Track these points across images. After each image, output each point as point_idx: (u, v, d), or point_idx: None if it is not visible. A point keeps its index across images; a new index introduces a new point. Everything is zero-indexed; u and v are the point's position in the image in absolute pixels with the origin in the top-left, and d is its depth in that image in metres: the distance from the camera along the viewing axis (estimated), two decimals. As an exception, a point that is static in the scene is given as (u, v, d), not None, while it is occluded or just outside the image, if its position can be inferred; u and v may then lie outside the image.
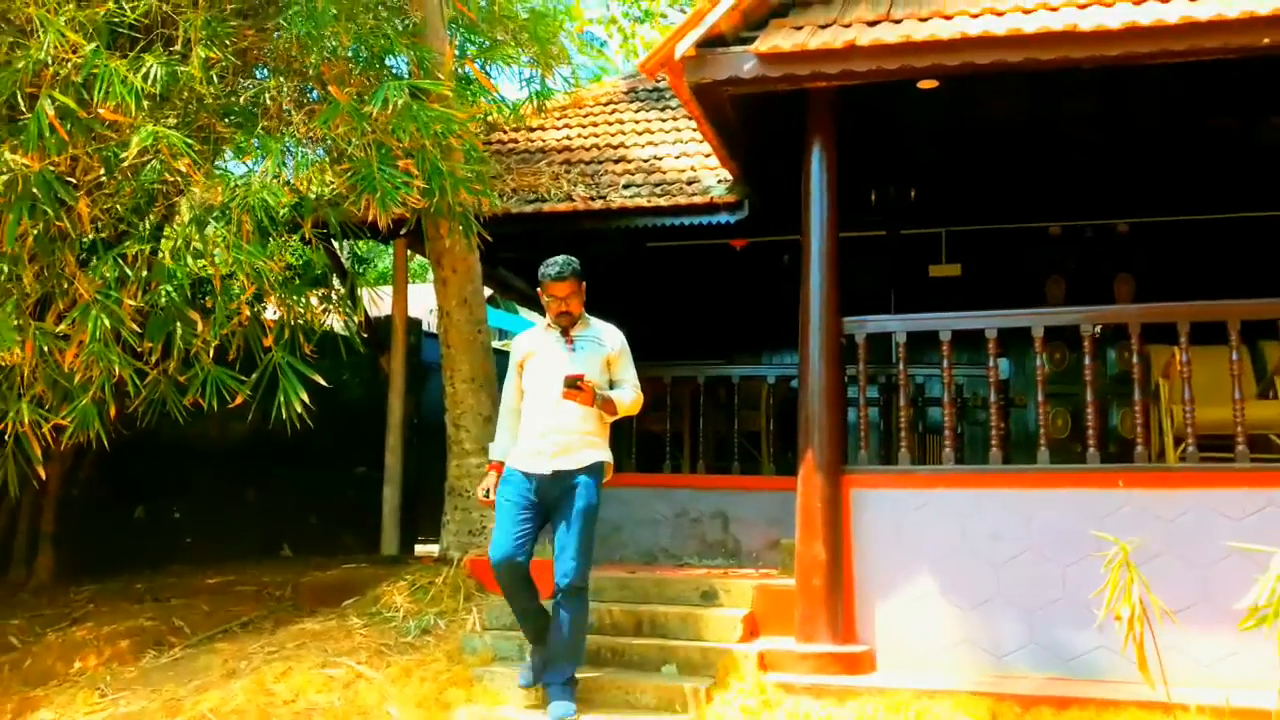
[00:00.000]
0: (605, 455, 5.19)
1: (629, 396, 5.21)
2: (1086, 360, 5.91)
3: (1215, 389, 6.04)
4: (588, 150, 8.98)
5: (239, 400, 5.80)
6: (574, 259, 5.14)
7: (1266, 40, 5.19)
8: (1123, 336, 6.00)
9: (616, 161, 8.66)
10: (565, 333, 5.15)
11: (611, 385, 5.23)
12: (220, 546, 9.75)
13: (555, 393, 4.95)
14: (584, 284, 5.19)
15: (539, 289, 5.16)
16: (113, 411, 5.68)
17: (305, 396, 5.77)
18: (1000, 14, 5.53)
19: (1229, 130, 7.74)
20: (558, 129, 9.51)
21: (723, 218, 7.84)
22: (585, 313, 5.27)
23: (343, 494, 10.14)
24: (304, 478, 10.07)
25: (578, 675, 5.19)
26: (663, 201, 7.88)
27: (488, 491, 5.22)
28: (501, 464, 5.21)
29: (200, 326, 5.68)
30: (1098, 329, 6.04)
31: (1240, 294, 5.98)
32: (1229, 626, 4.75)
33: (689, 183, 8.06)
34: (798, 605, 5.81)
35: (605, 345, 5.20)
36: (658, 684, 5.48)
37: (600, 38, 18.62)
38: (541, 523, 5.12)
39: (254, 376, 5.87)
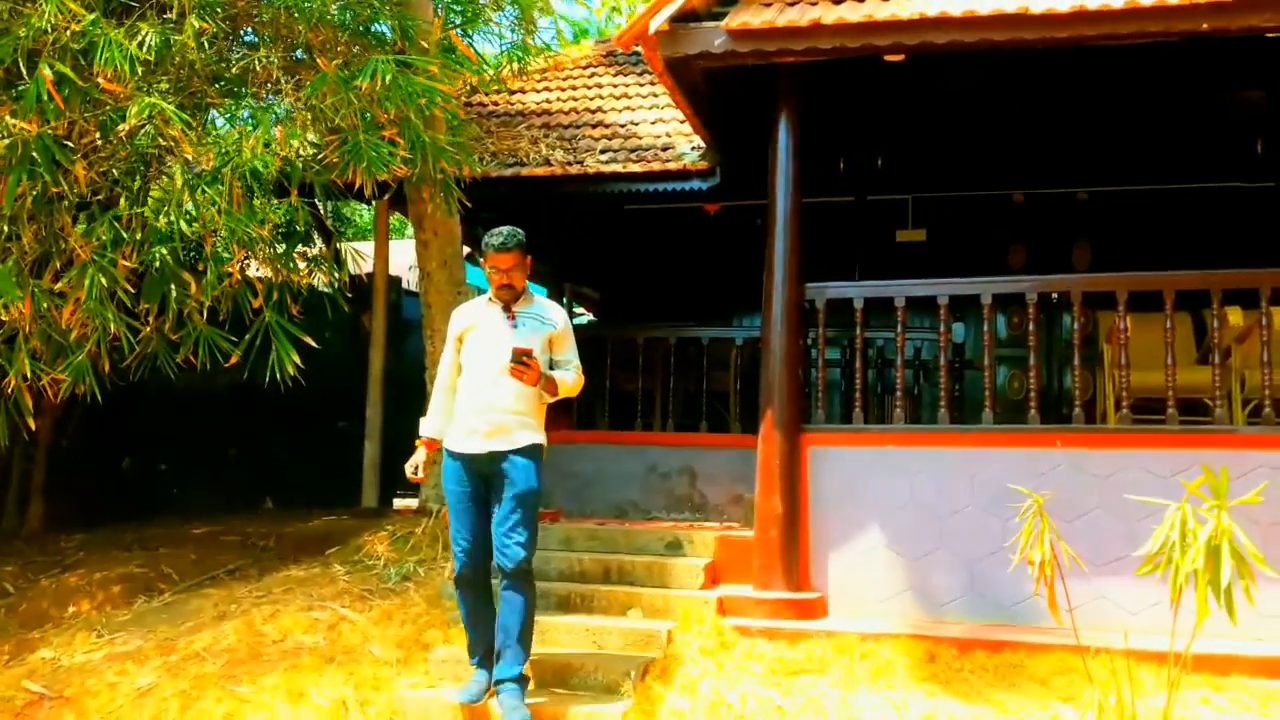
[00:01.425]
0: (540, 438, 5.02)
1: (570, 378, 5.06)
2: (1030, 326, 6.34)
3: (1157, 354, 6.46)
4: (566, 114, 9.30)
5: (233, 360, 6.15)
6: (519, 230, 4.96)
7: (1205, 25, 5.58)
8: (1073, 302, 6.42)
9: (594, 126, 8.98)
10: (508, 308, 4.98)
11: (552, 365, 5.08)
12: (204, 498, 10.08)
13: (493, 370, 4.83)
14: (529, 257, 5.05)
15: (481, 259, 5.07)
16: (106, 367, 6.03)
17: (297, 358, 6.11)
18: (959, -5, 5.90)
19: (1188, 103, 8.10)
20: (537, 92, 9.81)
21: (696, 184, 8.20)
22: (529, 287, 5.14)
23: (323, 448, 10.39)
24: (285, 432, 10.35)
25: (528, 673, 5.12)
26: (638, 167, 8.22)
27: (416, 468, 5.12)
28: (433, 441, 5.12)
29: (193, 288, 6.04)
30: (1053, 296, 6.45)
31: (1196, 262, 6.42)
32: (1154, 577, 5.23)
33: (664, 149, 8.40)
34: (755, 555, 6.26)
35: (548, 322, 5.04)
36: (624, 628, 5.93)
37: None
38: (489, 513, 5.00)
39: (246, 338, 6.20)
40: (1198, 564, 3.45)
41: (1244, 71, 7.31)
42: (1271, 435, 5.77)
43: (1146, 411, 6.61)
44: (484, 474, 4.92)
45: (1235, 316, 6.28)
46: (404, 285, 11.03)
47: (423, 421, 5.18)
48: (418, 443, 5.19)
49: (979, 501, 6.05)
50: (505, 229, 4.92)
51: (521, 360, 4.68)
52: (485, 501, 4.97)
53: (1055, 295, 6.60)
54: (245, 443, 10.51)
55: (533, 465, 4.93)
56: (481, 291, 5.53)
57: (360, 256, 9.19)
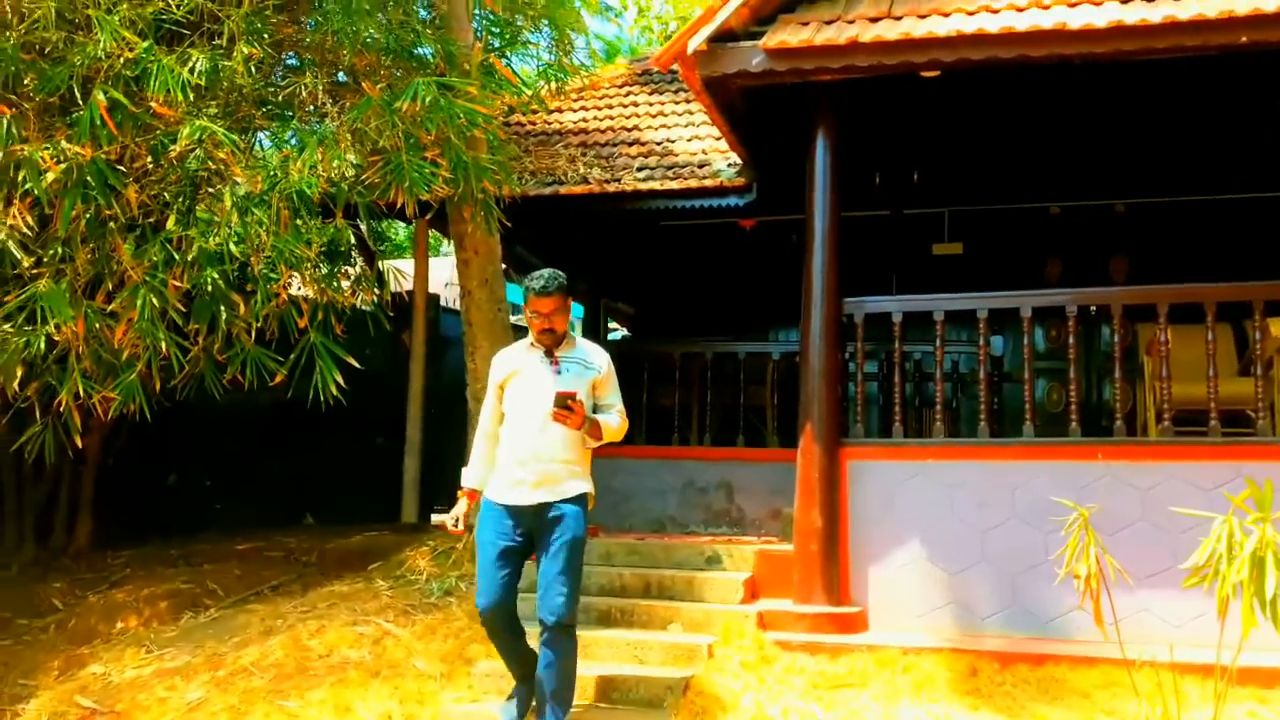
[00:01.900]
0: (588, 486, 4.88)
1: (615, 422, 4.89)
2: (1070, 339, 6.36)
3: (1198, 366, 6.46)
4: (602, 133, 9.40)
5: (278, 380, 6.27)
6: (560, 273, 4.79)
7: (1245, 39, 5.59)
8: (1112, 315, 6.43)
9: (630, 144, 9.07)
10: (549, 353, 4.83)
11: (595, 409, 4.92)
12: (247, 514, 10.20)
13: (539, 418, 4.67)
14: (570, 300, 4.93)
15: (523, 304, 4.87)
16: (157, 386, 6.17)
17: (340, 378, 6.22)
18: (995, 11, 5.92)
19: (1225, 114, 8.09)
20: (573, 111, 9.93)
21: (732, 200, 8.27)
22: (570, 331, 5.00)
23: (362, 464, 10.53)
24: (325, 448, 10.47)
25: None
26: (675, 184, 8.30)
27: (458, 520, 4.91)
28: (475, 491, 4.94)
29: (242, 308, 6.17)
30: (1091, 310, 6.45)
31: (1234, 274, 6.41)
32: (1197, 590, 5.22)
33: (700, 166, 8.48)
34: (795, 569, 6.30)
35: (592, 367, 4.89)
36: (664, 642, 5.99)
37: (615, 7, 18.94)
38: (525, 558, 4.87)
39: (291, 357, 6.32)
40: (1243, 575, 3.47)
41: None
42: (1315, 447, 5.76)
43: (1187, 424, 6.59)
44: (528, 525, 4.76)
45: (1277, 328, 6.26)
46: (441, 302, 11.17)
47: (464, 471, 5.00)
48: (460, 494, 5.00)
49: (1020, 515, 6.06)
50: (546, 272, 4.76)
51: (565, 405, 4.54)
52: (524, 553, 4.83)
53: (1094, 308, 6.61)
54: (286, 459, 10.63)
55: (581, 515, 4.79)
56: (521, 330, 5.53)
57: (401, 275, 9.32)
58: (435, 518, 4.84)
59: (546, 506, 4.71)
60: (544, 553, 4.73)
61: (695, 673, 5.66)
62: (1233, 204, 8.96)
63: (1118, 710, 4.98)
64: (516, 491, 4.73)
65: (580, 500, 4.80)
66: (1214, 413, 6.02)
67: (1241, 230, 8.90)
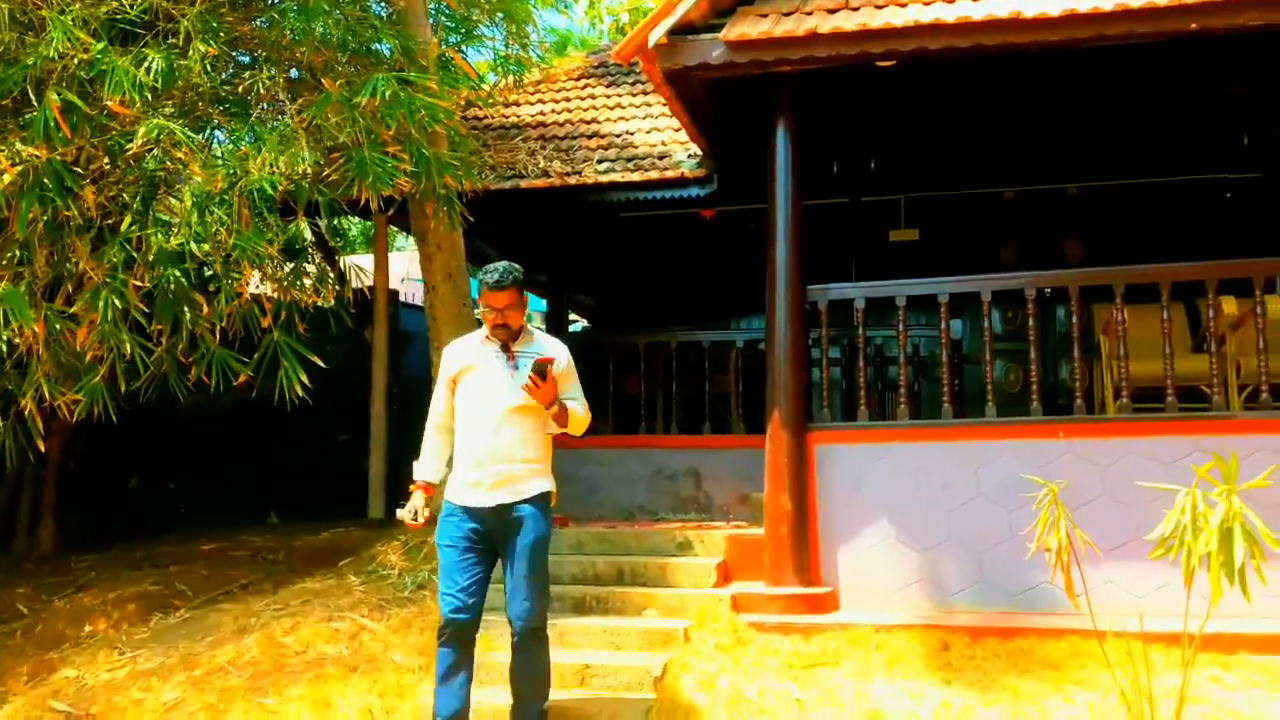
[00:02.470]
0: (550, 484, 4.68)
1: (580, 410, 4.70)
2: (1030, 321, 6.46)
3: (1153, 344, 6.60)
4: (561, 126, 9.39)
5: (242, 380, 6.21)
6: (515, 266, 4.60)
7: (1194, 25, 5.70)
8: (1069, 296, 6.55)
9: (590, 137, 9.07)
10: (506, 347, 4.60)
11: None
12: (210, 514, 10.10)
13: (495, 416, 4.49)
14: (525, 294, 4.77)
15: (478, 298, 4.70)
16: (123, 388, 6.09)
17: (305, 378, 6.17)
18: (950, 1, 6.01)
19: (1175, 99, 8.23)
20: (531, 104, 9.90)
21: (693, 191, 8.31)
22: (527, 325, 4.82)
23: (326, 461, 10.47)
24: (288, 447, 10.41)
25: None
26: (635, 176, 8.32)
27: (416, 513, 4.66)
28: (430, 485, 4.74)
29: (205, 309, 6.10)
30: (1046, 291, 6.59)
31: (1184, 253, 6.55)
32: (1160, 561, 5.34)
33: (660, 157, 8.50)
34: (766, 552, 6.36)
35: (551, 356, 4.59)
36: (640, 628, 6.02)
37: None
38: (491, 563, 4.65)
39: (255, 357, 6.26)
40: (1211, 546, 3.56)
41: (1229, 68, 7.46)
42: (1269, 419, 5.91)
43: (1143, 400, 6.73)
44: (489, 528, 4.53)
45: (1230, 305, 6.41)
46: (401, 298, 11.10)
47: (415, 465, 4.78)
48: (412, 487, 4.76)
49: (985, 492, 6.16)
50: (501, 265, 4.56)
51: (542, 371, 4.38)
52: (488, 555, 4.60)
53: (1049, 290, 6.74)
54: (248, 459, 10.55)
55: (543, 514, 4.58)
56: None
57: (361, 271, 9.26)
58: (399, 513, 4.67)
59: (507, 508, 4.51)
60: (508, 556, 4.54)
61: (672, 657, 5.70)
62: (1181, 186, 9.15)
63: (1086, 680, 5.09)
64: (474, 493, 4.51)
65: (542, 499, 4.60)
66: (1170, 389, 6.15)
67: (1190, 211, 9.09)
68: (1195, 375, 6.73)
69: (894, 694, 5.24)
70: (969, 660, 5.50)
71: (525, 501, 4.52)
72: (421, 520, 4.66)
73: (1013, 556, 5.95)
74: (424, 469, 4.74)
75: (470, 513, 4.51)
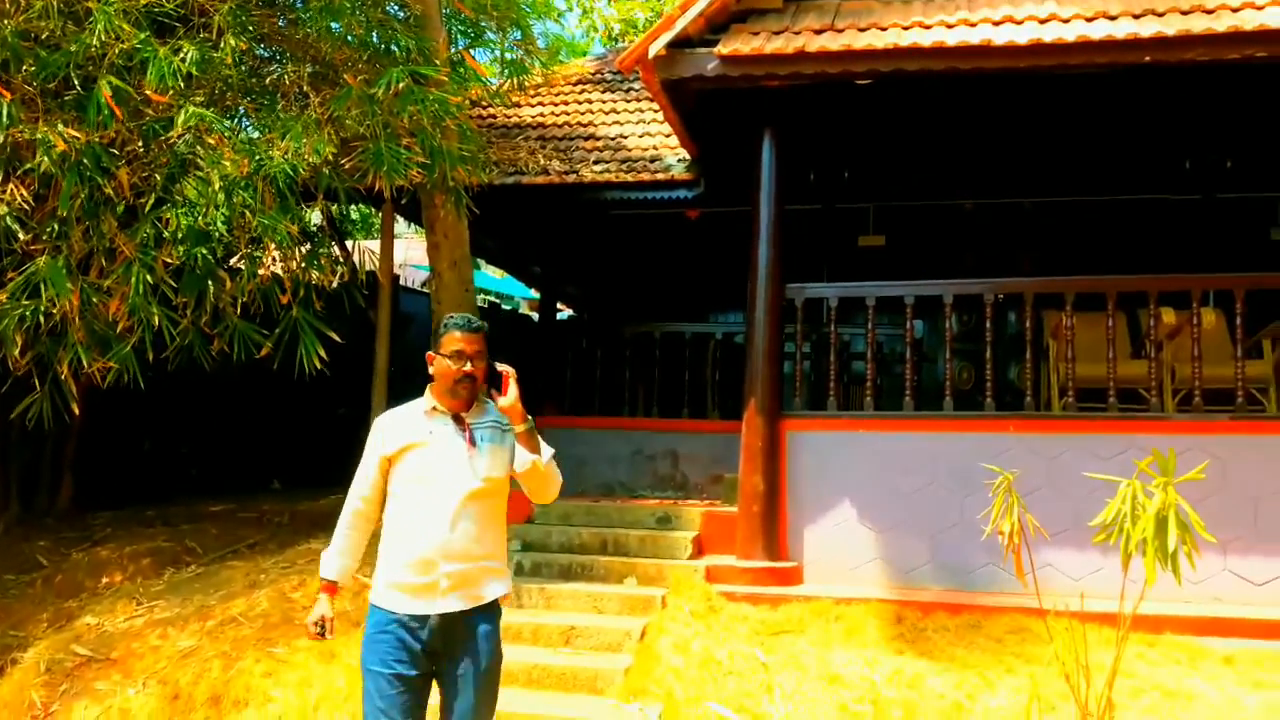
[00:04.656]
0: (507, 585, 3.56)
1: (547, 457, 3.47)
2: (986, 324, 6.61)
3: (1097, 349, 6.77)
4: (560, 128, 9.45)
5: (264, 353, 6.26)
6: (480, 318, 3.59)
7: (1148, 58, 5.86)
8: (1022, 302, 6.71)
9: (586, 139, 9.13)
10: (459, 419, 3.45)
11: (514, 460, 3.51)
12: (217, 479, 10.13)
13: (450, 507, 3.33)
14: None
15: (433, 349, 3.48)
16: (151, 357, 6.13)
17: (323, 352, 6.23)
18: (927, 27, 6.13)
19: (1125, 124, 8.36)
20: (532, 106, 9.95)
21: (681, 193, 8.41)
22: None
23: (326, 433, 10.48)
24: (292, 418, 10.44)
25: None
26: (628, 177, 8.40)
27: (321, 625, 3.48)
28: (334, 585, 3.56)
29: (228, 284, 6.14)
30: (999, 296, 6.74)
31: (1129, 267, 6.71)
32: (1096, 547, 5.49)
33: (651, 160, 8.58)
34: (739, 528, 6.49)
35: (508, 425, 3.45)
36: (621, 594, 6.15)
37: (560, 7, 18.84)
38: (428, 691, 3.43)
39: (276, 331, 6.32)
40: (1148, 532, 3.69)
41: (1176, 98, 7.61)
42: (1200, 421, 6.08)
43: (1087, 401, 6.89)
44: (432, 643, 3.33)
45: (1168, 316, 6.57)
46: (401, 282, 11.12)
47: (325, 556, 3.60)
48: (320, 586, 3.60)
49: (940, 479, 6.30)
50: (465, 314, 3.58)
51: (497, 381, 3.39)
52: (427, 682, 3.40)
53: (1002, 295, 6.89)
54: (254, 427, 10.55)
55: (497, 628, 3.47)
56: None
57: (373, 255, 9.29)
58: (307, 622, 3.57)
59: (458, 617, 3.34)
60: (451, 681, 3.38)
61: (650, 621, 5.83)
62: (1128, 204, 9.29)
63: (1028, 654, 5.24)
64: (418, 600, 3.31)
65: (497, 608, 3.48)
66: (1112, 391, 6.32)
67: (1135, 228, 9.26)
68: (1135, 379, 6.90)
69: (851, 660, 5.37)
70: (920, 633, 5.65)
71: (481, 610, 3.40)
72: (331, 633, 3.51)
73: (964, 539, 6.10)
74: (335, 564, 3.56)
75: (410, 625, 3.31)
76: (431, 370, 3.46)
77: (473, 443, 3.43)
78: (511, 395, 3.35)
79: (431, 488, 3.38)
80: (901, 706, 4.95)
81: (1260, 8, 5.70)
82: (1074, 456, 6.07)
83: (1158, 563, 3.71)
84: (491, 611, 3.45)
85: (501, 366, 3.40)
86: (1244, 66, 5.91)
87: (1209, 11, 5.78)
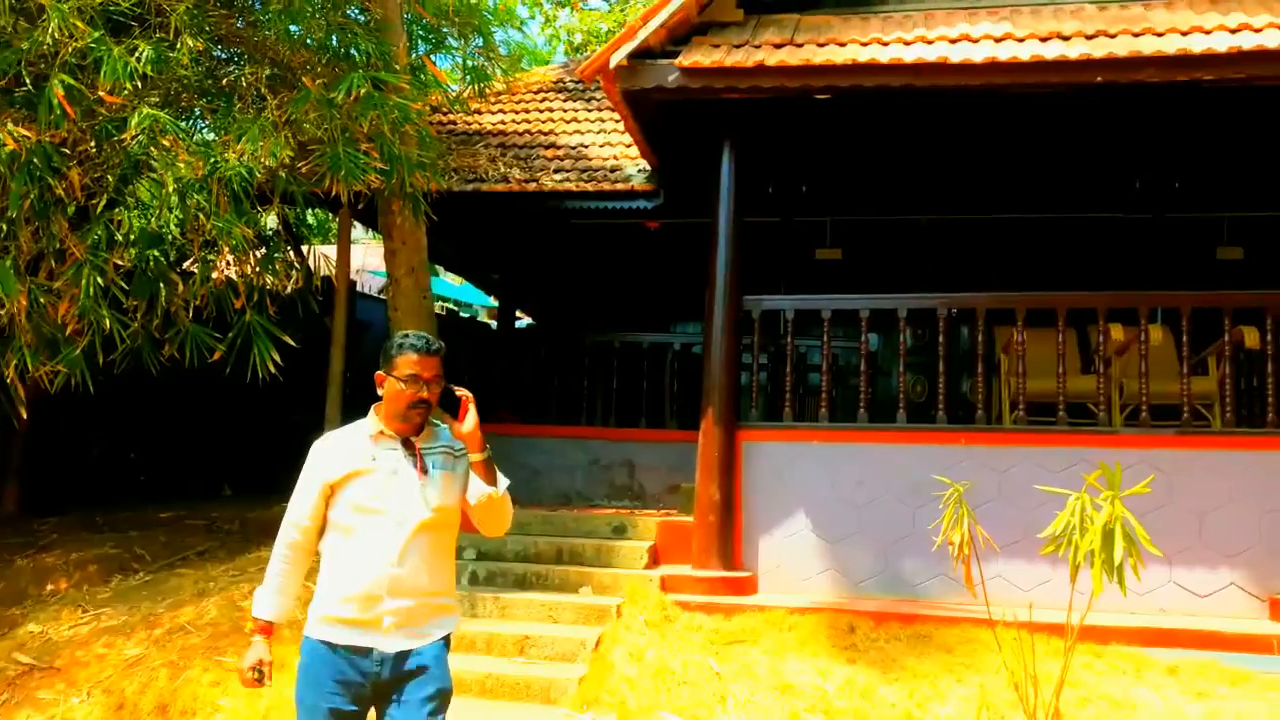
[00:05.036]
0: (456, 621, 3.27)
1: (504, 488, 3.19)
2: (941, 338, 6.67)
3: (1047, 363, 6.85)
4: (520, 135, 9.41)
5: (217, 357, 6.16)
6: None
7: (1100, 78, 5.96)
8: (975, 317, 6.78)
9: (547, 148, 9.11)
10: (408, 444, 3.16)
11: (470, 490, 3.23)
12: (166, 485, 9.96)
13: (399, 539, 3.05)
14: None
15: (383, 370, 3.16)
16: (101, 361, 6.01)
17: (277, 357, 6.15)
18: (885, 44, 6.18)
19: (1078, 144, 8.49)
20: (492, 113, 9.91)
21: (641, 203, 8.41)
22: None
23: (279, 439, 10.32)
24: (244, 423, 10.30)
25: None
26: (589, 186, 8.39)
27: (259, 670, 3.08)
28: (270, 625, 3.17)
29: (180, 287, 6.05)
30: (953, 311, 6.81)
31: (1080, 283, 6.80)
32: (1044, 559, 5.56)
33: (611, 170, 8.58)
34: (695, 538, 6.49)
35: (460, 451, 3.21)
36: (576, 603, 6.12)
37: (523, 16, 18.83)
38: None
39: (230, 336, 6.22)
40: (1094, 545, 3.74)
41: (1127, 120, 7.75)
42: (1147, 435, 6.18)
43: (1037, 414, 6.98)
44: (373, 682, 3.03)
45: (1117, 332, 6.67)
46: (358, 288, 11.02)
47: (258, 594, 3.23)
48: (248, 627, 3.38)
49: (892, 491, 6.35)
50: (423, 334, 3.26)
51: (454, 405, 3.11)
52: (364, 715, 3.11)
53: (955, 310, 6.96)
54: (205, 433, 10.38)
55: (445, 659, 3.19)
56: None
57: (328, 261, 9.21)
58: (241, 667, 3.15)
59: (404, 655, 3.06)
60: (395, 717, 3.08)
61: (605, 630, 5.80)
62: (1079, 223, 9.45)
63: (978, 663, 5.28)
64: (364, 634, 3.03)
65: (447, 644, 3.21)
66: (1062, 405, 6.40)
67: (1086, 246, 9.40)
68: (1084, 394, 6.99)
69: (804, 670, 5.38)
70: (872, 642, 5.67)
71: (429, 645, 3.12)
72: (269, 679, 3.11)
73: (916, 549, 6.15)
74: (270, 603, 3.19)
75: (352, 659, 3.02)
76: (381, 391, 3.16)
77: (424, 470, 3.15)
78: (470, 422, 3.09)
79: (378, 519, 3.09)
80: (853, 716, 4.97)
81: (1208, 32, 5.82)
82: (1024, 469, 6.14)
83: (1105, 574, 3.76)
84: (440, 645, 3.16)
85: (460, 391, 3.14)
86: (1193, 90, 6.03)
87: (1159, 34, 5.89)
